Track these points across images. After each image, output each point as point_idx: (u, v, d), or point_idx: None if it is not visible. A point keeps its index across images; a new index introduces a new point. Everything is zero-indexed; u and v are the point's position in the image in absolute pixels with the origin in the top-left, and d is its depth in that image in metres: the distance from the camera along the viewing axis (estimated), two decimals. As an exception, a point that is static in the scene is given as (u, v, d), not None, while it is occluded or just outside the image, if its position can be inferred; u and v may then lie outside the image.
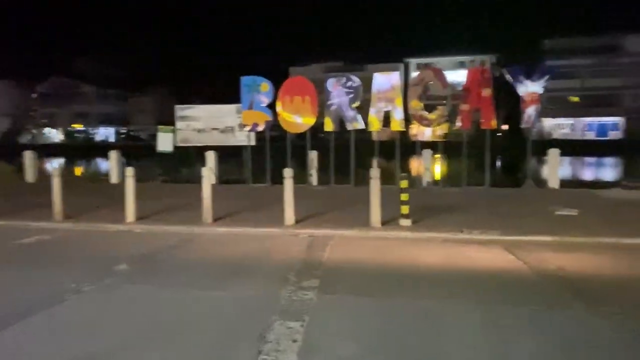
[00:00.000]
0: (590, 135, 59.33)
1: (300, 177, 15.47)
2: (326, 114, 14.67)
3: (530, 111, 13.39)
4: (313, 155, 15.51)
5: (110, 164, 17.62)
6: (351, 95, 14.35)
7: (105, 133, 79.05)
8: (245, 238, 8.48)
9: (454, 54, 64.82)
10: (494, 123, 13.72)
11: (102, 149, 40.65)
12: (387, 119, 14.50)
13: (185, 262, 6.91)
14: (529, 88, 13.26)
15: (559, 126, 61.04)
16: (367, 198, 9.04)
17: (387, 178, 16.06)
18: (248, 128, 15.32)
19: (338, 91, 14.45)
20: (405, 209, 8.81)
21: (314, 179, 15.34)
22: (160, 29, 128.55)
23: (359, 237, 8.40)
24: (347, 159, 14.85)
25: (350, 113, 14.43)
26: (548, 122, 61.13)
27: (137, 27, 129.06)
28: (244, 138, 16.21)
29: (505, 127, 47.29)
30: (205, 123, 16.71)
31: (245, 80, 15.21)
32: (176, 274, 6.31)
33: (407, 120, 14.77)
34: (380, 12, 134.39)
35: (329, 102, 14.59)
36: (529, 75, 13.34)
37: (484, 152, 13.56)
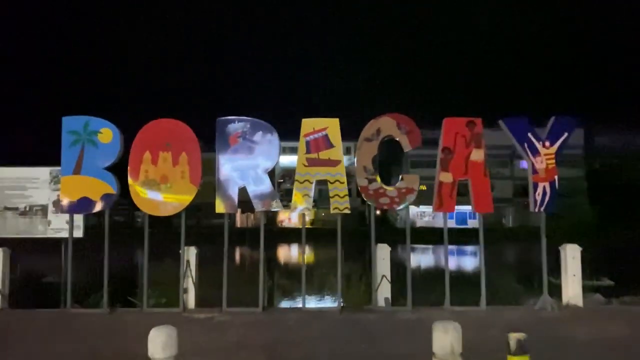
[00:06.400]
0: (451, 224, 59.54)
1: (168, 294, 9.03)
2: (217, 187, 8.50)
3: (543, 187, 8.65)
4: (191, 256, 8.89)
5: None
6: (264, 157, 8.46)
7: None
8: None
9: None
10: (490, 205, 8.78)
11: None
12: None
13: None
14: (542, 151, 8.62)
15: (421, 214, 60.42)
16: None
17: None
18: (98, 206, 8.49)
19: (240, 149, 8.48)
20: None
21: (190, 297, 8.74)
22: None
23: None
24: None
25: (263, 186, 8.42)
26: (411, 210, 60.58)
27: None
28: (63, 225, 9.16)
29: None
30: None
31: (69, 122, 8.46)
32: None
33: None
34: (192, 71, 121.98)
35: (221, 170, 8.47)
36: (541, 133, 8.73)
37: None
